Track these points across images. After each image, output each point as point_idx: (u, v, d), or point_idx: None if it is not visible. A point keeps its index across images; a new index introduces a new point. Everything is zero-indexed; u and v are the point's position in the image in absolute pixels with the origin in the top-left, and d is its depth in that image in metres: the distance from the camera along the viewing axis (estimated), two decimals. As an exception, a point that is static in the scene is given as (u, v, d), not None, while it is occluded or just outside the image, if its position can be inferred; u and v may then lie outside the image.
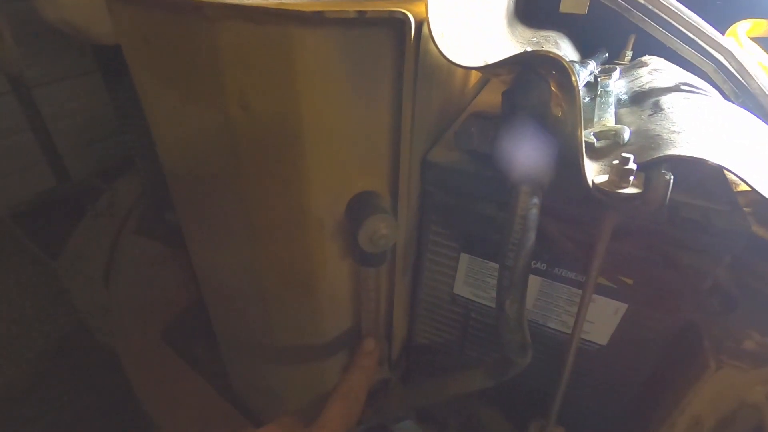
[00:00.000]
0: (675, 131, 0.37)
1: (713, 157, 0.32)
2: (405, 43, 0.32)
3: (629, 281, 0.40)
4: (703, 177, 0.40)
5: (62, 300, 1.22)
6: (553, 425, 0.48)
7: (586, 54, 0.71)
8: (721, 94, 0.58)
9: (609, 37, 0.72)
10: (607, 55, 0.70)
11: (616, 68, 0.59)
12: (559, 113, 0.36)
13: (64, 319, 1.20)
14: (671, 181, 0.33)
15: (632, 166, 0.33)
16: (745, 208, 0.38)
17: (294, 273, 0.45)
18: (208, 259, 0.53)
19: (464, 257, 0.46)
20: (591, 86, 0.55)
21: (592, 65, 0.59)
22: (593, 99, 0.51)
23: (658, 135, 0.38)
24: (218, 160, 0.41)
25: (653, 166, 0.34)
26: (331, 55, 0.33)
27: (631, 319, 0.41)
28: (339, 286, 0.46)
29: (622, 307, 0.41)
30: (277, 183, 0.40)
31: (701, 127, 0.38)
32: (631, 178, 0.33)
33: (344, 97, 0.35)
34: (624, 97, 0.53)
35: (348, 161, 0.38)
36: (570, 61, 0.57)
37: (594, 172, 0.36)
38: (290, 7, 0.31)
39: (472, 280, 0.48)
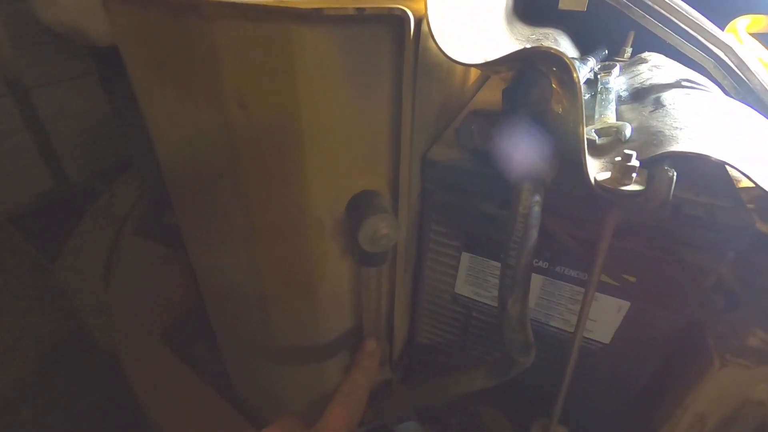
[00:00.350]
0: (677, 127, 0.37)
1: (716, 153, 0.32)
2: (404, 40, 0.32)
3: (632, 279, 0.40)
4: (705, 173, 0.40)
5: (61, 302, 1.21)
6: (556, 424, 0.47)
7: (585, 51, 0.71)
8: (721, 89, 0.58)
9: (608, 34, 0.72)
10: (606, 51, 0.70)
11: (615, 65, 0.59)
12: (560, 110, 0.36)
13: (64, 321, 1.20)
14: (674, 177, 0.32)
15: (635, 162, 0.33)
16: (748, 205, 0.38)
17: (294, 273, 0.45)
18: (208, 260, 0.52)
19: (465, 256, 0.46)
20: (591, 83, 0.55)
21: (592, 62, 0.59)
22: (593, 96, 0.51)
23: (660, 131, 0.37)
24: (217, 160, 0.40)
25: (656, 162, 0.33)
26: (329, 53, 0.32)
27: (634, 317, 0.41)
28: (340, 286, 0.46)
29: (625, 305, 0.41)
30: (277, 182, 0.39)
31: (703, 123, 0.37)
32: (634, 175, 0.33)
33: (343, 95, 0.35)
34: (624, 93, 0.53)
35: (348, 160, 0.38)
36: (570, 57, 0.56)
37: (596, 169, 0.36)
38: (288, 5, 0.31)
39: (473, 279, 0.47)
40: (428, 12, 0.31)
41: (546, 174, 0.35)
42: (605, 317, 0.42)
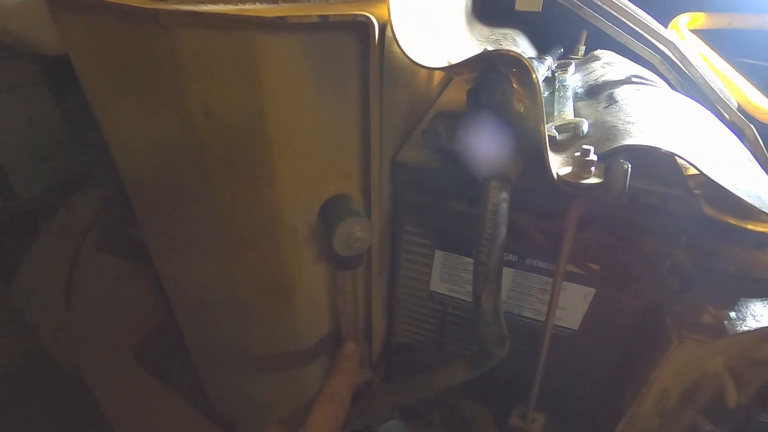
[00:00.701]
0: (629, 122, 0.39)
1: (665, 144, 0.34)
2: (369, 45, 0.32)
3: (596, 267, 0.42)
4: (657, 164, 0.43)
5: (19, 324, 1.15)
6: (533, 411, 0.49)
7: (542, 50, 0.74)
8: (668, 83, 0.62)
9: (564, 33, 0.75)
10: (562, 50, 0.73)
11: (571, 63, 0.62)
12: (522, 109, 0.37)
13: (22, 345, 1.13)
14: (629, 169, 0.34)
15: (593, 157, 0.34)
16: (696, 191, 0.41)
17: (270, 280, 0.45)
18: (179, 272, 0.51)
19: (439, 254, 0.47)
20: (549, 81, 0.57)
21: (550, 61, 0.61)
22: (552, 93, 0.53)
23: (615, 126, 0.40)
24: (185, 170, 0.40)
25: (612, 156, 0.35)
26: (295, 60, 0.32)
27: (600, 302, 0.43)
28: (316, 290, 0.46)
29: (591, 291, 0.43)
30: (248, 191, 0.39)
31: (652, 116, 0.40)
32: (593, 168, 0.35)
33: (311, 101, 0.35)
34: (580, 90, 0.55)
35: (318, 165, 0.38)
36: (528, 57, 0.58)
37: (558, 164, 0.37)
38: (252, 13, 0.31)
39: (447, 276, 0.49)
40: (392, 18, 0.32)
41: (511, 171, 0.36)
42: (573, 304, 0.44)
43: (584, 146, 0.34)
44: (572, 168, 0.35)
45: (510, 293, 0.47)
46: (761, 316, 0.41)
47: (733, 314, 0.41)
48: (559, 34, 0.75)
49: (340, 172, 0.39)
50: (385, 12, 0.32)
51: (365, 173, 0.40)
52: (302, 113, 0.35)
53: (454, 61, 0.34)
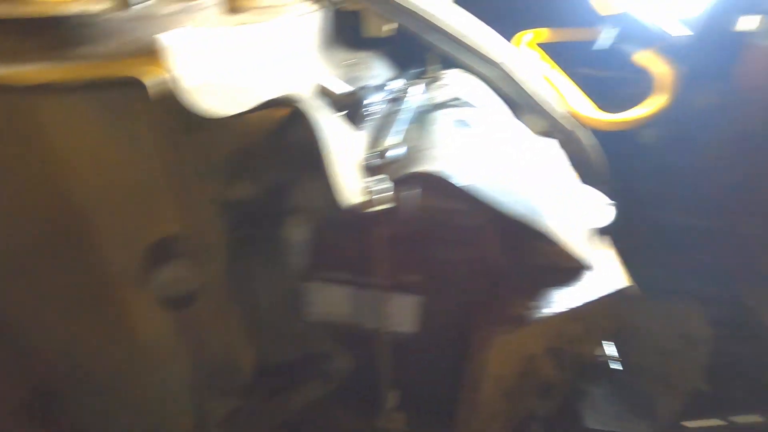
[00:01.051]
0: (426, 148, 0.44)
1: (443, 171, 0.39)
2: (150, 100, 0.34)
3: (417, 278, 0.46)
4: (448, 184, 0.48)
5: None
6: (394, 412, 0.53)
7: (405, 70, 0.78)
8: (505, 98, 0.69)
9: (425, 54, 0.80)
10: (422, 70, 0.78)
11: (415, 85, 0.67)
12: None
13: None
14: (418, 193, 0.39)
15: (384, 185, 0.39)
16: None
17: (116, 331, 0.45)
18: (33, 343, 0.50)
19: (286, 278, 0.50)
20: (396, 103, 0.62)
21: (398, 83, 0.66)
22: (392, 116, 0.57)
23: (416, 152, 0.44)
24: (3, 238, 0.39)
25: (403, 182, 0.40)
26: (81, 118, 0.34)
27: (426, 308, 0.48)
28: (163, 331, 0.46)
29: (416, 299, 0.48)
30: (71, 249, 0.39)
31: (451, 141, 0.45)
32: (385, 194, 0.39)
33: (110, 153, 0.36)
34: (421, 112, 0.60)
35: (133, 213, 0.39)
36: (365, 85, 0.61)
37: (364, 191, 0.41)
38: (31, 75, 0.32)
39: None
40: (172, 74, 0.34)
41: (317, 203, 0.40)
42: (405, 312, 0.49)
43: (373, 177, 0.38)
44: (369, 196, 0.39)
45: (354, 309, 0.50)
46: (558, 301, 0.47)
47: (537, 303, 0.48)
48: (420, 55, 0.80)
49: (159, 216, 0.41)
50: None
51: (188, 214, 0.42)
52: (104, 166, 0.36)
53: (240, 110, 0.36)
